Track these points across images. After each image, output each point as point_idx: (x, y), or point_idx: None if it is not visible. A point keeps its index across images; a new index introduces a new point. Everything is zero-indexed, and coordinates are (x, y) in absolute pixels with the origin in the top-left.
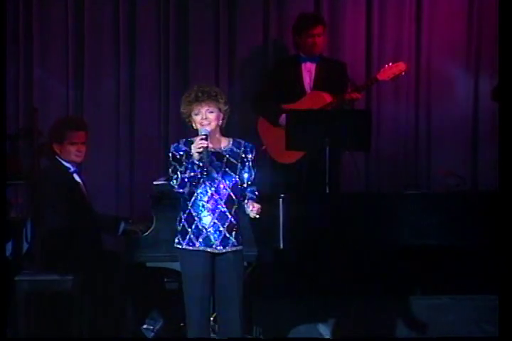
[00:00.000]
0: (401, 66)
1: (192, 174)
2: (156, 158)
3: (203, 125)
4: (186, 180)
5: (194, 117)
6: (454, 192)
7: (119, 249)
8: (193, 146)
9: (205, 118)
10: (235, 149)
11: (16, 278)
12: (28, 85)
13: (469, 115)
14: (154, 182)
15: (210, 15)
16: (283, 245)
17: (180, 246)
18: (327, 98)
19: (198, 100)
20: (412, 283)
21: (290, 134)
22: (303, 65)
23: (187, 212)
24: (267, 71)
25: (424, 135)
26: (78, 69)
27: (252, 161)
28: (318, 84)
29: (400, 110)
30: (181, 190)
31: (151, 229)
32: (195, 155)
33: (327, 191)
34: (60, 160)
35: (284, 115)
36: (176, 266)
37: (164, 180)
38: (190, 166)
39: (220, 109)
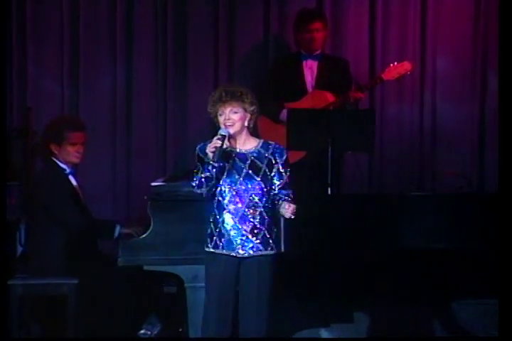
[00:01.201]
0: (406, 65)
1: (207, 174)
2: (154, 159)
3: (226, 126)
4: (203, 180)
5: (218, 118)
6: (459, 194)
7: (116, 252)
8: (208, 146)
9: (229, 118)
10: (262, 151)
11: (10, 282)
12: (22, 84)
13: (475, 115)
14: (152, 184)
15: (209, 13)
16: (284, 248)
17: (207, 249)
18: (329, 97)
19: (222, 100)
20: (416, 287)
21: (291, 134)
22: (304, 62)
23: (212, 214)
24: (267, 69)
25: (429, 135)
26: (73, 67)
27: (283, 164)
28: (320, 83)
29: (405, 110)
30: (199, 191)
31: (148, 232)
32: (209, 155)
33: (329, 192)
34: (55, 161)
35: (284, 110)
36: (174, 269)
37: (162, 181)
38: (206, 166)
39: (245, 110)
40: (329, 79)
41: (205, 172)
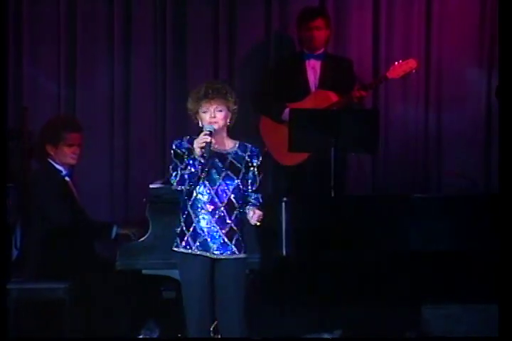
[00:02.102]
0: (411, 63)
1: (192, 170)
2: (153, 160)
3: (211, 123)
4: (186, 176)
5: (202, 115)
6: (465, 196)
7: (114, 255)
8: (195, 141)
9: (213, 116)
10: (239, 152)
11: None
12: (17, 84)
13: (482, 115)
14: (151, 186)
15: (209, 10)
16: (285, 251)
17: (177, 249)
18: (333, 97)
19: (207, 97)
20: (421, 291)
21: (293, 135)
22: (307, 62)
23: (186, 212)
24: (268, 69)
25: (435, 136)
26: (70, 66)
27: (258, 167)
28: (324, 83)
29: (409, 110)
30: (180, 188)
31: (147, 235)
32: (197, 151)
33: (332, 194)
34: (51, 162)
35: (287, 110)
36: (173, 273)
37: (161, 183)
38: (191, 162)
39: (228, 108)
40: (332, 79)
41: (192, 167)
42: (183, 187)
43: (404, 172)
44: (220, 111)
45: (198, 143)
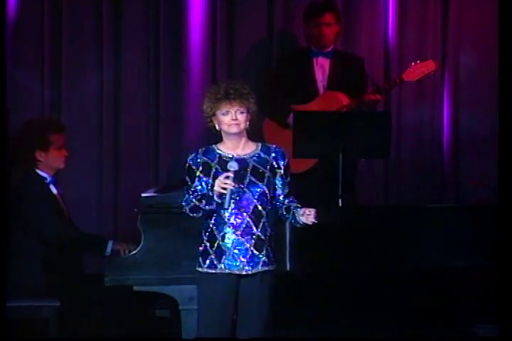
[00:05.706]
0: (430, 65)
1: (207, 208)
2: (145, 167)
3: (231, 126)
4: (201, 207)
5: (221, 117)
6: (485, 205)
7: (102, 270)
8: (216, 182)
9: (235, 118)
10: (262, 155)
11: None
12: None
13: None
14: (143, 194)
15: (206, 6)
16: (289, 266)
17: (200, 269)
18: (343, 99)
19: (229, 98)
20: (439, 311)
21: (298, 140)
22: (314, 59)
23: (209, 230)
24: (271, 68)
25: (451, 141)
26: (55, 65)
27: (285, 169)
28: (333, 83)
29: (424, 113)
30: (194, 215)
31: (138, 248)
32: (216, 192)
33: (340, 204)
34: (35, 169)
35: (292, 114)
36: (167, 289)
37: (154, 192)
38: (199, 188)
39: (249, 110)
40: (343, 78)
41: (208, 205)
42: (198, 215)
43: (419, 180)
44: (242, 113)
45: (218, 188)
